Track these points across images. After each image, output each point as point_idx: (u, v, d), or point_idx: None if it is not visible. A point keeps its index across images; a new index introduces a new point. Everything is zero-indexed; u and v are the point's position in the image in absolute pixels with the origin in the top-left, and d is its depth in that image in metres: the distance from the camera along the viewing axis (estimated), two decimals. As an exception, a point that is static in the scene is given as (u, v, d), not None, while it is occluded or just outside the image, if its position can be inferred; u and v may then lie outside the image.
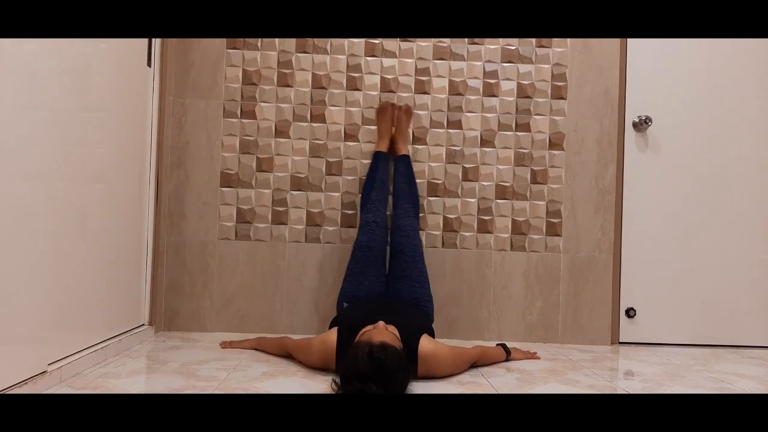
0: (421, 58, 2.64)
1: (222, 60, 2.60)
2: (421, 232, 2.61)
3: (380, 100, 2.61)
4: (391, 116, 2.56)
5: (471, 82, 2.65)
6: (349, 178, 2.62)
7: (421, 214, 2.62)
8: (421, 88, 2.64)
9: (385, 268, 2.42)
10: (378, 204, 2.46)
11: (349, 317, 2.04)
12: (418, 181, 2.62)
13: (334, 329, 1.95)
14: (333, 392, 1.65)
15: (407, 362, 1.75)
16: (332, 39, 2.62)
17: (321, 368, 1.96)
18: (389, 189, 2.56)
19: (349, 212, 2.62)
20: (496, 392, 1.80)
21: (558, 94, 2.66)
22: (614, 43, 2.67)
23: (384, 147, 2.56)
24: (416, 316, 2.19)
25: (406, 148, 2.58)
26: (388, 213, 2.53)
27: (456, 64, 2.65)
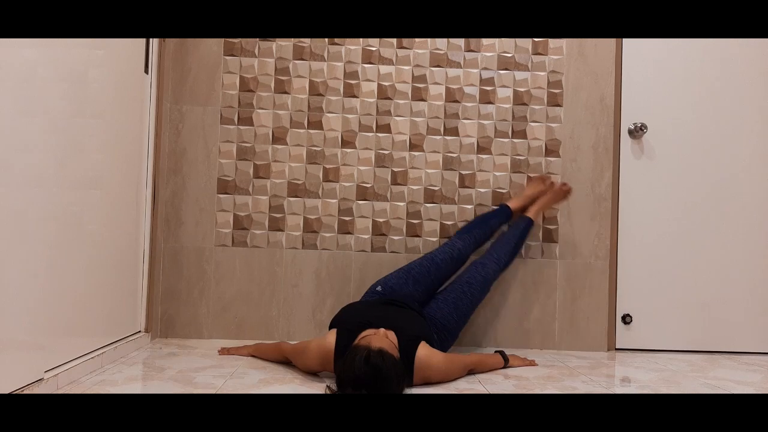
0: (417, 65, 2.65)
1: (219, 67, 2.60)
2: (417, 238, 2.62)
3: (377, 108, 2.62)
4: (542, 189, 2.58)
5: (467, 89, 2.66)
6: (346, 184, 2.62)
7: (417, 221, 2.62)
8: (418, 95, 2.65)
9: (435, 286, 2.37)
10: (474, 239, 2.46)
11: (349, 318, 2.03)
12: (414, 187, 2.63)
13: (333, 331, 1.94)
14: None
15: (403, 371, 1.76)
16: (329, 46, 2.63)
17: (318, 370, 1.96)
18: (490, 238, 2.53)
19: (346, 219, 2.62)
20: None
21: (554, 101, 2.67)
22: (609, 50, 2.69)
23: (515, 206, 2.56)
24: (420, 323, 2.16)
25: (537, 217, 2.57)
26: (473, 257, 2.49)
27: (453, 72, 2.66)
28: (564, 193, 2.60)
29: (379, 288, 2.29)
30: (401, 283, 2.30)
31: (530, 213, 2.56)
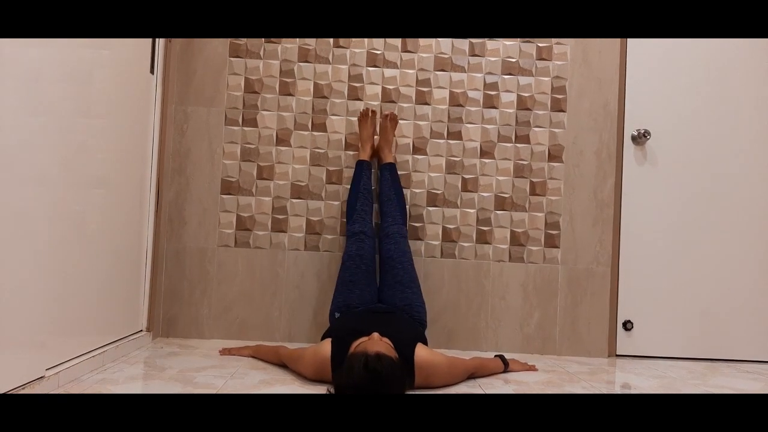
0: (422, 69, 2.66)
1: (224, 68, 2.61)
2: (419, 242, 2.62)
3: (382, 110, 2.63)
4: (373, 123, 2.58)
5: (471, 94, 2.67)
6: (349, 187, 2.62)
7: (419, 224, 2.63)
8: (422, 99, 2.65)
9: (376, 277, 2.43)
10: (364, 214, 2.47)
11: (342, 328, 2.04)
12: (417, 191, 2.63)
13: (328, 340, 1.94)
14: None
15: (403, 372, 1.76)
16: (334, 49, 2.64)
17: (313, 379, 1.94)
18: (374, 198, 2.57)
19: (349, 221, 2.62)
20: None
21: (557, 106, 2.68)
22: (614, 56, 2.69)
23: (366, 155, 2.56)
24: (409, 325, 2.19)
25: (392, 156, 2.58)
26: (374, 222, 2.55)
27: (457, 76, 2.66)
28: (392, 121, 2.56)
29: (337, 315, 2.29)
30: (353, 296, 2.31)
31: (385, 158, 2.56)
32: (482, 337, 2.63)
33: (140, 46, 2.29)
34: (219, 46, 2.61)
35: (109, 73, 2.01)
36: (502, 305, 2.63)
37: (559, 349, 2.64)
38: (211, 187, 2.60)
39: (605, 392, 2.02)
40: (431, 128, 2.65)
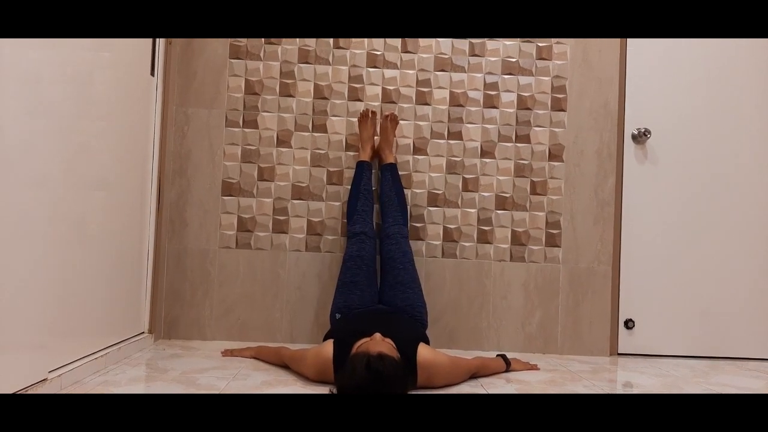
0: (422, 70, 2.66)
1: (225, 70, 2.61)
2: (420, 242, 2.62)
3: (382, 110, 2.63)
4: (374, 124, 2.58)
5: (471, 94, 2.67)
6: (350, 187, 2.62)
7: (420, 224, 2.63)
8: (422, 99, 2.66)
9: (377, 278, 2.43)
10: (365, 215, 2.47)
11: (343, 329, 2.04)
12: (418, 191, 2.63)
13: (330, 341, 1.94)
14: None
15: (405, 372, 1.76)
16: (334, 50, 2.64)
17: (315, 380, 1.94)
18: (374, 199, 2.57)
19: (350, 222, 2.62)
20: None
21: (558, 106, 2.68)
22: (613, 56, 2.69)
23: (367, 156, 2.56)
24: (410, 325, 2.20)
25: (393, 157, 2.58)
26: (375, 222, 2.56)
27: (457, 76, 2.67)
28: (392, 122, 2.56)
29: (338, 315, 2.29)
30: (353, 297, 2.31)
31: (386, 158, 2.56)
32: (484, 336, 2.63)
33: (140, 47, 2.29)
34: (219, 47, 2.61)
35: (110, 75, 2.01)
36: (504, 305, 2.63)
37: (560, 349, 2.64)
38: (212, 188, 2.60)
39: (608, 391, 2.02)
40: (432, 128, 2.65)
